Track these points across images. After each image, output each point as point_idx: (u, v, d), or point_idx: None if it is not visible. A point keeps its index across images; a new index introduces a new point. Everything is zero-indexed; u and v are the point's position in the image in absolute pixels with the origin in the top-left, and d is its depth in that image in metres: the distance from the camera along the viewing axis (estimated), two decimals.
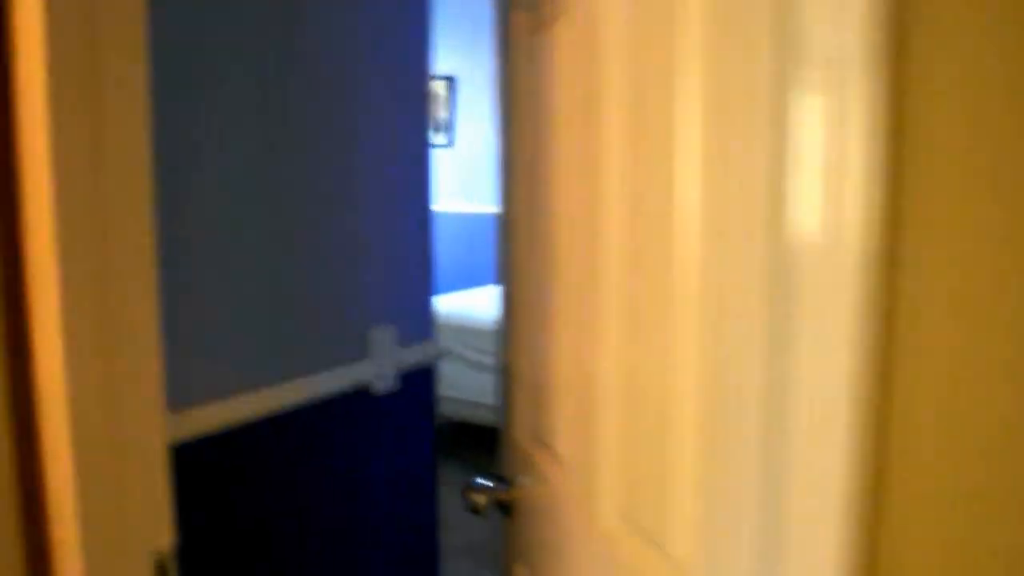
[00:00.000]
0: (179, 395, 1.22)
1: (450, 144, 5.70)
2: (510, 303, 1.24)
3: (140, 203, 0.85)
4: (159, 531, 0.91)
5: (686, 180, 0.68)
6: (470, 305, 4.27)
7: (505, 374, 1.30)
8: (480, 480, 1.23)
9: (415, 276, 1.69)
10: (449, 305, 4.21)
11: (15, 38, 0.77)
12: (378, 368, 1.58)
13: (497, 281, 1.30)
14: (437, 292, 3.66)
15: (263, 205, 1.37)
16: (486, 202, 5.71)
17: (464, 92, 5.69)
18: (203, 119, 1.27)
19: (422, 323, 1.71)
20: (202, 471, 1.30)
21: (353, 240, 1.54)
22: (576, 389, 0.99)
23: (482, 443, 4.04)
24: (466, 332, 3.96)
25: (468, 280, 5.40)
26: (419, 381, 1.69)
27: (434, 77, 5.41)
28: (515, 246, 1.19)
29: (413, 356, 1.67)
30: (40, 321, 0.80)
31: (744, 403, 0.65)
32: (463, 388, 3.91)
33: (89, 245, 0.80)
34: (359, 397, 1.55)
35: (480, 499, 1.22)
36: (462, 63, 5.56)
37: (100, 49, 0.79)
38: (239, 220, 1.34)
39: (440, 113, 5.57)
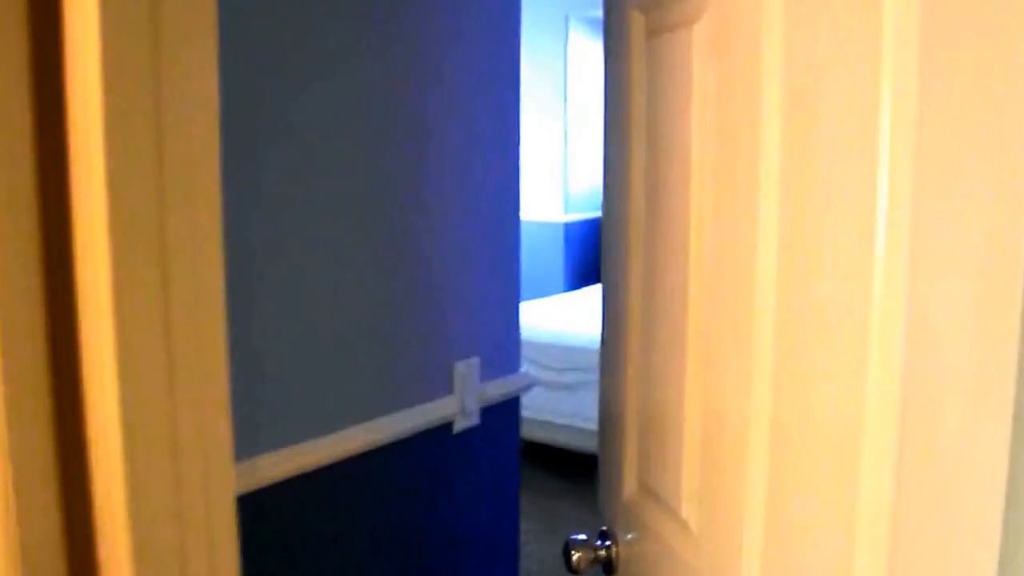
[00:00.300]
0: (249, 441, 1.11)
1: None
2: (616, 325, 1.10)
3: (208, 232, 0.75)
4: None
5: (897, 197, 0.54)
6: (526, 318, 4.11)
7: (606, 409, 1.15)
8: (578, 536, 1.09)
9: (502, 304, 1.54)
10: None
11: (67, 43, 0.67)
12: (462, 405, 1.44)
13: (601, 289, 1.15)
14: None
15: (343, 232, 1.25)
16: (535, 209, 5.48)
17: None
18: (273, 140, 1.16)
19: (509, 354, 1.56)
20: (269, 520, 1.18)
21: (440, 267, 1.40)
22: (707, 437, 0.84)
23: (548, 464, 3.90)
24: (527, 346, 3.80)
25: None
26: (503, 417, 1.55)
27: None
28: (625, 260, 1.04)
29: (499, 390, 1.52)
30: (94, 363, 0.69)
31: (979, 478, 0.49)
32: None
33: (149, 277, 0.69)
34: (440, 435, 1.42)
35: (580, 557, 1.08)
36: None
37: (163, 55, 0.69)
38: (315, 244, 1.22)
39: None
